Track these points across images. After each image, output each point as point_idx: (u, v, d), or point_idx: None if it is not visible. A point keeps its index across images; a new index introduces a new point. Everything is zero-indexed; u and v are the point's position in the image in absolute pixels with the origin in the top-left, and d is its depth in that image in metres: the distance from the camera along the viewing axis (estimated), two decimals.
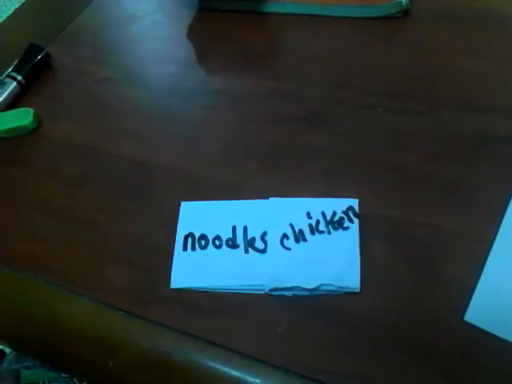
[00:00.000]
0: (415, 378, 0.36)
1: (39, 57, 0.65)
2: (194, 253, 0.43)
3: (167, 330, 0.41)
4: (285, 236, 0.42)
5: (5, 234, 0.51)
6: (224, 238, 0.43)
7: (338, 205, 0.43)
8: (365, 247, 0.43)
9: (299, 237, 0.42)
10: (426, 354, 0.37)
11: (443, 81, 0.54)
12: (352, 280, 0.39)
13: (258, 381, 0.38)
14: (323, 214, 0.42)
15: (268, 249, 0.42)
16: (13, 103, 0.63)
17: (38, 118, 0.60)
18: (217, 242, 0.43)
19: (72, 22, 0.73)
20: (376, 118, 0.52)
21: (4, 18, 0.82)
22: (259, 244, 0.43)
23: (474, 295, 0.38)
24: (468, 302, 0.38)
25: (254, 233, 0.43)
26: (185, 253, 0.43)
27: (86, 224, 0.50)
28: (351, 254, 0.41)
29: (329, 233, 0.41)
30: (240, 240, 0.43)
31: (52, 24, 0.74)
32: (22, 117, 0.60)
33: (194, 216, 0.46)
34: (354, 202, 0.42)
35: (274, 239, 0.43)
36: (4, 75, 0.64)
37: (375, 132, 0.51)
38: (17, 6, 0.85)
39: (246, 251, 0.42)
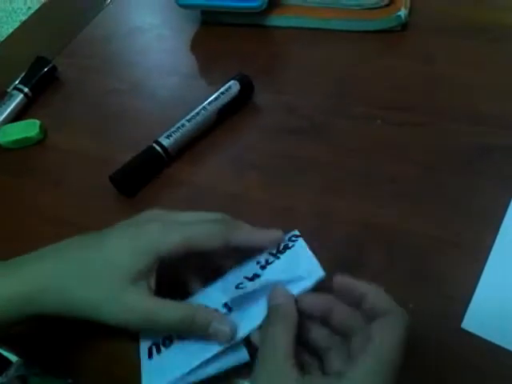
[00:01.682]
0: None
1: (46, 69, 0.67)
2: (161, 356, 0.38)
3: None
4: (240, 284, 0.38)
5: (11, 243, 0.52)
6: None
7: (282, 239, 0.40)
8: (364, 257, 0.43)
9: (253, 278, 0.38)
10: (423, 362, 0.37)
11: (442, 92, 0.55)
12: (315, 271, 0.37)
13: None
14: (269, 253, 0.39)
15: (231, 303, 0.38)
16: (19, 115, 0.64)
17: (44, 130, 0.62)
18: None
19: (78, 35, 0.75)
20: (375, 130, 0.53)
21: (10, 29, 0.83)
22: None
23: (472, 303, 0.39)
24: (466, 310, 0.39)
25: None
26: (152, 360, 0.39)
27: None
28: (304, 256, 0.38)
29: (278, 258, 0.39)
30: None
31: (58, 37, 0.75)
32: (28, 128, 0.61)
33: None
34: (295, 232, 0.40)
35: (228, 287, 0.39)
36: (11, 87, 0.65)
37: (374, 143, 0.52)
38: (22, 17, 0.86)
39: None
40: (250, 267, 0.39)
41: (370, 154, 0.51)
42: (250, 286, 0.38)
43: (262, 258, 0.39)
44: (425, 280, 0.42)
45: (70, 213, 0.53)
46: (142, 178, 0.53)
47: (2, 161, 0.60)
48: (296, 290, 0.37)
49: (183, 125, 0.53)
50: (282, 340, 0.33)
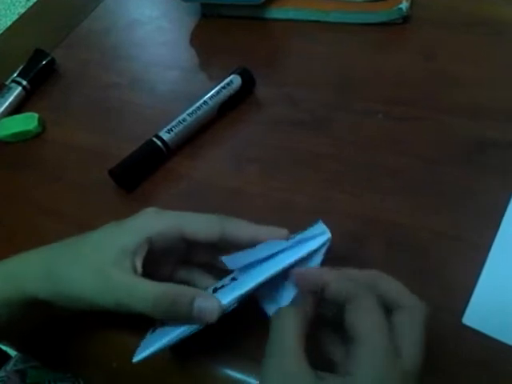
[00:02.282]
0: None
1: (44, 62, 0.66)
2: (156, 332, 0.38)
3: None
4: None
5: (10, 237, 0.52)
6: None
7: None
8: (364, 251, 0.43)
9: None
10: (424, 357, 0.37)
11: (443, 86, 0.55)
12: (319, 230, 0.36)
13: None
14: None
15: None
16: (18, 108, 0.64)
17: (42, 123, 0.61)
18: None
19: (77, 28, 0.74)
20: (376, 124, 0.53)
21: (8, 22, 0.83)
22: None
23: (472, 298, 0.39)
24: (466, 305, 0.39)
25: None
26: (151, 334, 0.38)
27: (90, 227, 0.50)
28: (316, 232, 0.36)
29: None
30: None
31: (57, 29, 0.75)
32: (26, 121, 0.60)
33: None
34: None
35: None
36: (9, 80, 0.65)
37: (375, 137, 0.52)
38: (21, 10, 0.86)
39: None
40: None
41: (371, 148, 0.51)
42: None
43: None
44: (425, 274, 0.41)
45: (68, 206, 0.53)
46: (141, 172, 0.52)
47: (0, 154, 0.60)
48: (303, 251, 0.35)
49: (184, 119, 0.53)
50: (293, 333, 0.31)
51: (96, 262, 0.36)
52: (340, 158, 0.51)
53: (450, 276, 0.41)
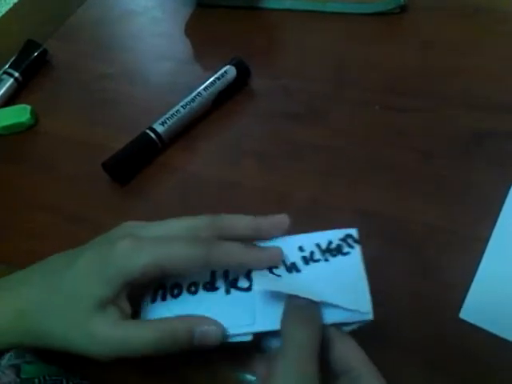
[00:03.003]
0: (411, 373, 0.36)
1: (36, 53, 0.65)
2: (164, 303, 0.36)
3: None
4: (273, 267, 0.35)
5: (3, 231, 0.51)
6: (201, 283, 0.36)
7: (333, 235, 0.35)
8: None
9: (291, 268, 0.34)
10: (422, 350, 0.37)
11: (441, 77, 0.54)
12: (361, 304, 0.32)
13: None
14: (318, 245, 0.35)
15: (254, 284, 0.34)
16: (10, 100, 0.63)
17: (35, 115, 0.60)
18: (192, 288, 0.36)
19: (70, 18, 0.73)
20: (373, 115, 0.52)
21: (3, 12, 0.81)
22: (243, 283, 0.35)
23: (470, 293, 0.38)
24: (464, 299, 0.38)
25: (237, 274, 0.35)
26: (154, 304, 0.36)
27: (83, 221, 0.50)
28: (356, 278, 0.33)
29: (326, 260, 0.34)
30: (220, 282, 0.35)
31: (50, 20, 0.74)
32: (19, 114, 0.60)
33: None
34: (353, 231, 0.35)
35: (260, 274, 0.35)
36: (1, 72, 0.64)
37: (373, 129, 0.51)
38: (15, 0, 0.84)
39: (228, 292, 0.35)
40: (291, 250, 0.35)
41: (368, 140, 0.50)
42: (285, 283, 0.33)
43: (307, 246, 0.35)
44: (422, 268, 0.41)
45: (61, 200, 0.52)
46: (135, 165, 0.52)
47: None
48: (332, 318, 0.32)
49: (178, 111, 0.52)
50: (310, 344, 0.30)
51: (76, 317, 0.33)
52: (337, 150, 0.50)
53: (447, 269, 0.41)
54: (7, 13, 0.78)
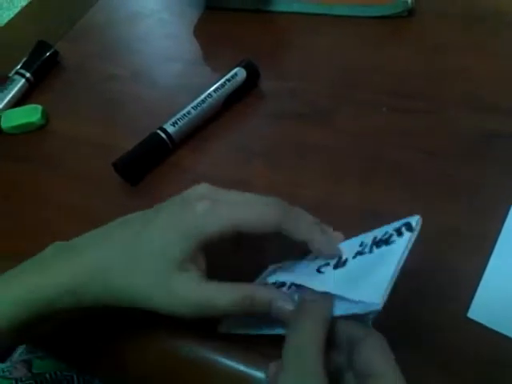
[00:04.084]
0: (418, 373, 0.37)
1: (47, 54, 0.66)
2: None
3: None
4: (326, 264, 0.35)
5: (13, 229, 0.52)
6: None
7: (392, 226, 0.33)
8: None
9: (339, 264, 0.34)
10: (430, 350, 0.37)
11: (447, 79, 0.55)
12: (372, 294, 0.29)
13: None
14: (374, 239, 0.33)
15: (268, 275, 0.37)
16: (21, 100, 0.64)
17: (46, 115, 0.61)
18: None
19: (80, 20, 0.74)
20: (380, 117, 0.53)
21: (11, 14, 0.82)
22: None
23: (478, 292, 0.39)
24: (472, 299, 0.39)
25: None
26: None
27: (93, 219, 0.50)
28: (385, 267, 0.30)
29: (370, 252, 0.33)
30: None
31: (60, 22, 0.74)
32: (30, 113, 0.60)
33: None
34: (413, 219, 0.32)
35: (312, 265, 0.35)
36: (13, 72, 0.64)
37: (380, 130, 0.52)
38: (23, 3, 0.85)
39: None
40: (353, 246, 0.34)
41: (375, 141, 0.51)
42: (327, 273, 0.33)
43: (367, 241, 0.34)
44: (430, 268, 0.41)
45: (72, 199, 0.53)
46: (146, 165, 0.52)
47: (4, 146, 0.60)
48: (338, 310, 0.32)
49: (189, 112, 0.53)
50: (313, 337, 0.30)
51: (159, 275, 0.34)
52: (344, 151, 0.51)
53: (455, 269, 0.41)
54: (19, 14, 0.79)
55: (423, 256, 0.42)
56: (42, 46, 0.66)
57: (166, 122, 0.53)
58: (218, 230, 0.34)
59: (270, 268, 0.38)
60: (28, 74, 0.64)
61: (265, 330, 0.36)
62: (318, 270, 0.34)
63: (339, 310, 0.32)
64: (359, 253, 0.33)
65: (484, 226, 0.43)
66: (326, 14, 0.65)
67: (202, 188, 0.37)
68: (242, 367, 0.39)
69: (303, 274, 0.35)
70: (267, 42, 0.65)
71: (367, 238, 0.34)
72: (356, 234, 0.36)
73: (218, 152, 0.54)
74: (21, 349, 0.54)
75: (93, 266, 0.35)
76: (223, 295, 0.33)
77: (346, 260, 0.34)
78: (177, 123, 0.52)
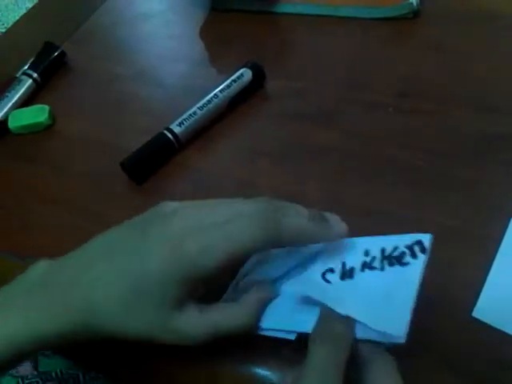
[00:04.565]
0: (422, 372, 0.37)
1: (54, 55, 0.66)
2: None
3: None
4: (330, 270, 0.33)
5: (19, 228, 0.52)
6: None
7: (403, 239, 0.32)
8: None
9: (346, 274, 0.33)
10: (434, 349, 0.37)
11: (453, 81, 0.55)
12: (396, 326, 0.29)
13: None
14: (382, 251, 0.32)
15: (286, 284, 0.35)
16: (28, 100, 0.64)
17: (52, 115, 0.62)
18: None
19: (86, 21, 0.74)
20: (386, 118, 0.53)
21: (16, 16, 0.83)
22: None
23: (483, 292, 0.39)
24: (477, 299, 0.39)
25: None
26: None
27: (100, 218, 0.51)
28: (404, 296, 0.30)
29: (382, 269, 0.31)
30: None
31: (66, 23, 0.75)
32: (37, 114, 0.61)
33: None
34: (426, 237, 0.31)
35: (315, 270, 0.34)
36: (20, 73, 0.65)
37: (386, 131, 0.52)
38: (28, 4, 0.86)
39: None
40: (356, 253, 0.33)
41: (381, 141, 0.51)
42: (336, 284, 0.32)
43: (373, 250, 0.33)
44: (434, 268, 0.41)
45: (79, 198, 0.53)
46: (152, 165, 0.53)
47: (11, 146, 0.60)
48: (361, 334, 0.31)
49: (195, 112, 0.53)
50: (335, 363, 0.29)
51: (158, 316, 0.33)
52: (350, 152, 0.51)
53: (460, 269, 0.41)
54: (25, 16, 0.80)
55: (430, 255, 0.42)
56: (48, 47, 0.67)
57: (172, 122, 0.53)
58: (214, 266, 0.32)
59: (253, 258, 0.36)
60: (35, 75, 0.64)
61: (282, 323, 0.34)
62: (324, 278, 0.33)
63: (359, 333, 0.31)
64: (368, 266, 0.32)
65: (489, 226, 0.43)
66: (331, 16, 0.65)
67: (178, 208, 0.35)
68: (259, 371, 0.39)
69: (308, 281, 0.34)
70: (273, 42, 0.65)
71: (373, 245, 0.33)
72: (362, 235, 0.35)
73: (224, 152, 0.54)
74: None
75: (79, 311, 0.33)
76: (231, 315, 0.33)
77: (353, 270, 0.33)
78: (183, 123, 0.53)
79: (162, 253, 0.32)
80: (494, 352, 0.37)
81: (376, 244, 0.33)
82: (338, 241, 0.34)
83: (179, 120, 0.53)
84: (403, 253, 0.31)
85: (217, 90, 0.55)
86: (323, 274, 0.33)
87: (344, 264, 0.33)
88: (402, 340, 0.29)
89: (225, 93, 0.55)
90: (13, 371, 0.53)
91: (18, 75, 0.65)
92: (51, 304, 0.34)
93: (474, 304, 0.39)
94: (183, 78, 0.64)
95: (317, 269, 0.34)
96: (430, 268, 0.41)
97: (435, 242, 0.43)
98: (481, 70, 0.55)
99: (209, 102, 0.54)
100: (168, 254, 0.32)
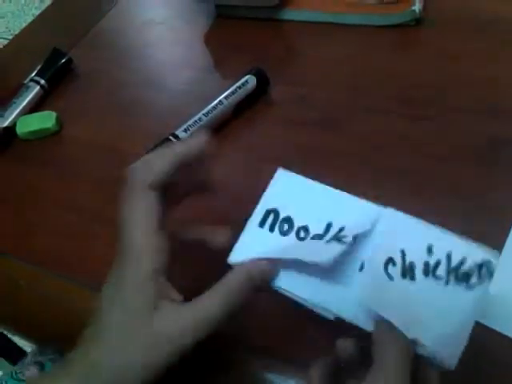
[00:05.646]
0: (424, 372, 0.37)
1: (62, 61, 0.67)
2: (270, 235, 0.35)
3: None
4: (390, 260, 0.32)
5: (27, 232, 0.53)
6: (312, 233, 0.34)
7: (472, 251, 0.31)
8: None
9: (407, 271, 0.31)
10: None
11: (456, 86, 0.55)
12: (450, 354, 0.29)
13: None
14: (448, 256, 0.31)
15: (365, 267, 0.32)
16: (36, 106, 0.65)
17: (60, 121, 0.62)
18: (302, 234, 0.34)
19: (93, 28, 0.75)
20: (390, 123, 0.53)
21: (23, 23, 0.84)
22: (347, 239, 0.33)
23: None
24: None
25: (349, 232, 0.33)
26: (260, 229, 0.35)
27: (107, 221, 0.51)
28: (463, 321, 0.30)
29: (446, 282, 0.30)
30: (329, 236, 0.33)
31: (73, 30, 0.76)
32: (44, 119, 0.62)
33: (285, 190, 0.38)
34: (494, 255, 0.31)
35: (375, 258, 0.32)
36: (28, 79, 0.66)
37: (389, 137, 0.52)
38: (35, 11, 0.87)
39: (329, 242, 0.33)
40: (418, 245, 0.32)
41: (385, 147, 0.52)
42: (398, 282, 0.31)
43: (438, 251, 0.32)
44: None
45: (86, 203, 0.54)
46: None
47: (19, 151, 0.61)
48: (417, 349, 0.30)
49: (200, 118, 0.54)
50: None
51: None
52: (354, 158, 0.51)
53: None
54: (32, 23, 0.81)
55: None
56: (56, 53, 0.68)
57: (177, 128, 0.54)
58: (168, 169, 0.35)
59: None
60: (43, 81, 0.65)
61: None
62: (387, 271, 0.32)
63: (417, 348, 0.30)
64: (432, 271, 0.31)
65: (490, 229, 0.43)
66: (334, 23, 0.66)
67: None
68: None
69: (372, 271, 0.32)
70: (277, 49, 0.66)
71: (437, 242, 0.32)
72: None
73: (229, 158, 0.55)
74: (33, 352, 0.55)
75: None
76: (204, 312, 0.33)
77: (414, 268, 0.31)
78: (188, 129, 0.53)
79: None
80: (496, 355, 0.37)
81: (441, 242, 0.32)
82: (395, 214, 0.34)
83: (185, 126, 0.54)
84: (471, 271, 0.30)
85: (222, 96, 0.56)
86: (385, 265, 0.32)
87: (403, 252, 0.32)
88: (452, 368, 0.28)
89: (230, 99, 0.55)
90: (19, 375, 0.53)
91: (25, 82, 0.66)
92: None
93: None
94: (189, 84, 0.64)
95: (377, 255, 0.32)
96: None
97: None
98: (484, 77, 0.55)
99: (214, 108, 0.55)
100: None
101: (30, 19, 0.84)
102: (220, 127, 0.57)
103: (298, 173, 0.51)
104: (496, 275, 0.39)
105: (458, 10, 0.64)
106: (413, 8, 0.61)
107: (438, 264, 0.31)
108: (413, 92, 0.56)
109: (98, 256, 0.48)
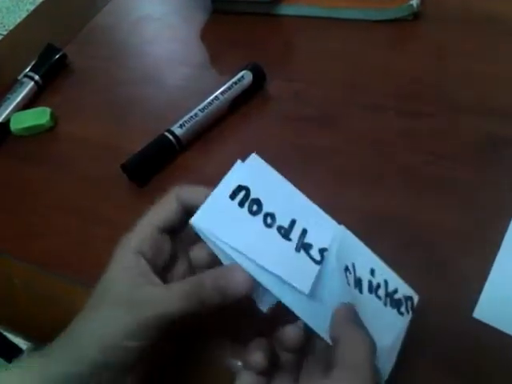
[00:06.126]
0: (423, 372, 0.37)
1: (56, 57, 0.67)
2: (239, 209, 0.34)
3: None
4: (347, 269, 0.34)
5: (22, 230, 0.52)
6: (278, 223, 0.34)
7: (401, 286, 0.37)
8: (376, 246, 0.44)
9: (357, 282, 0.34)
10: (435, 350, 0.38)
11: (454, 83, 0.55)
12: (382, 366, 0.33)
13: None
14: (386, 282, 0.36)
15: (324, 264, 0.34)
16: (30, 102, 0.64)
17: (54, 117, 0.62)
18: (268, 220, 0.34)
19: (88, 23, 0.74)
20: (387, 120, 0.53)
21: (17, 18, 0.83)
22: (315, 254, 0.34)
23: (483, 292, 0.39)
24: (477, 300, 0.39)
25: (313, 241, 0.34)
26: (230, 201, 0.35)
27: (101, 220, 0.51)
28: (394, 340, 0.35)
29: (385, 304, 0.35)
30: (295, 236, 0.34)
31: (68, 25, 0.75)
32: (39, 116, 0.61)
33: (257, 175, 0.38)
34: (415, 298, 0.37)
35: (333, 261, 0.34)
36: (22, 75, 0.65)
37: (386, 134, 0.52)
38: (29, 6, 0.86)
39: (298, 250, 0.34)
40: (364, 265, 0.36)
41: (382, 144, 0.51)
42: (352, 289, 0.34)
43: (378, 275, 0.36)
44: (436, 269, 0.42)
45: (80, 200, 0.53)
46: (154, 167, 0.53)
47: (13, 147, 0.61)
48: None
49: (196, 114, 0.54)
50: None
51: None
52: (350, 154, 0.51)
53: (460, 270, 0.41)
54: (26, 18, 0.80)
55: (429, 257, 0.43)
56: (50, 49, 0.67)
57: (173, 124, 0.54)
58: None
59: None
60: (37, 77, 0.65)
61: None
62: (347, 276, 0.34)
63: None
64: (374, 290, 0.35)
65: (489, 227, 0.43)
66: (332, 18, 0.65)
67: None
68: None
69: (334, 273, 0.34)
70: (274, 45, 0.65)
71: (378, 268, 0.36)
72: (361, 237, 0.37)
73: (225, 154, 0.54)
74: (29, 349, 0.54)
75: None
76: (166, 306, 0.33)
77: (361, 282, 0.35)
78: (184, 125, 0.53)
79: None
80: (495, 352, 0.37)
81: (381, 270, 0.36)
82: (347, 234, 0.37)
83: (180, 122, 0.53)
84: (401, 301, 0.36)
85: (218, 91, 0.55)
86: (345, 270, 0.34)
87: (354, 267, 0.35)
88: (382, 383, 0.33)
89: (226, 95, 0.55)
90: None
91: (19, 77, 0.65)
92: None
93: (475, 305, 0.39)
94: (184, 80, 0.64)
95: (332, 259, 0.34)
96: (430, 269, 0.42)
97: (435, 243, 0.43)
98: (481, 72, 0.55)
99: (210, 103, 0.54)
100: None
101: (24, 14, 0.84)
102: (216, 123, 0.56)
103: (294, 169, 0.51)
104: (494, 274, 0.39)
105: (456, 6, 0.63)
106: (410, 3, 0.61)
107: (378, 286, 0.36)
108: (411, 89, 0.56)
109: (94, 254, 0.48)
